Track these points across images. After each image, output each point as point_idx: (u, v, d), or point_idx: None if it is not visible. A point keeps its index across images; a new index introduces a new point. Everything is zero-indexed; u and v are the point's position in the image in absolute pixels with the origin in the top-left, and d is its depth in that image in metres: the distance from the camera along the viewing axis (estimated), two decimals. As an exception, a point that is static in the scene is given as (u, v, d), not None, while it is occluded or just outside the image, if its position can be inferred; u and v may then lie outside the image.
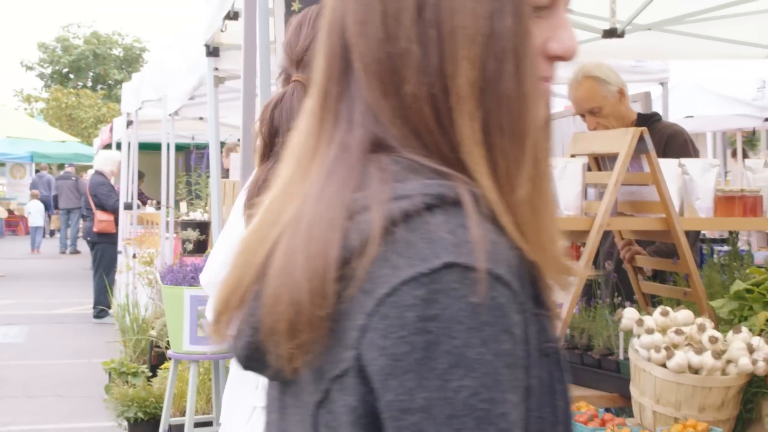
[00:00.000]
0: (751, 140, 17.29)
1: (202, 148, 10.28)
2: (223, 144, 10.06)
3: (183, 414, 5.93)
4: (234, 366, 2.44)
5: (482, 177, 1.00)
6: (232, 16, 4.91)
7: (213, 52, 6.12)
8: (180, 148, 12.88)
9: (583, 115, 4.78)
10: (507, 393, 0.92)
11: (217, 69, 6.26)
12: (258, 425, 2.27)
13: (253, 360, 1.08)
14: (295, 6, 3.42)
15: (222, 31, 5.23)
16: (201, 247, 7.71)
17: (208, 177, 7.85)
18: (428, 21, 1.01)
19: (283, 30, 3.41)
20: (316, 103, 1.12)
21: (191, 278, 5.40)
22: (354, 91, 1.07)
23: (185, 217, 8.60)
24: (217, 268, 2.42)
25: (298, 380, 1.02)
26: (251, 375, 2.33)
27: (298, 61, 2.36)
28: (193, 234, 7.68)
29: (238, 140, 12.23)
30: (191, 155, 9.58)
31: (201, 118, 11.58)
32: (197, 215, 8.38)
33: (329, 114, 1.09)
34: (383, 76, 1.03)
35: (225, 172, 8.49)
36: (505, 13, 1.03)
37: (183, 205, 9.49)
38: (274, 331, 0.99)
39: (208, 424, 6.06)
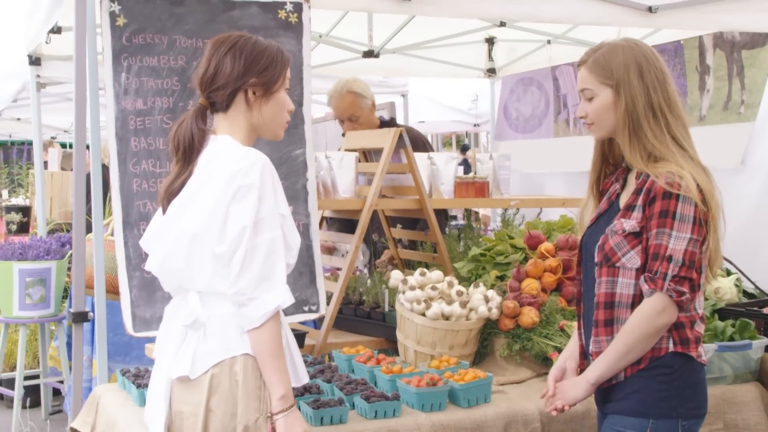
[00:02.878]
0: (460, 140, 18.03)
1: (21, 144, 9.60)
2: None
3: (13, 370, 5.54)
4: (167, 309, 2.36)
5: None
6: (56, 30, 4.59)
7: (35, 61, 5.74)
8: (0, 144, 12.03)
9: (342, 121, 4.76)
10: None
11: (39, 76, 5.91)
12: (190, 343, 2.20)
13: None
14: (120, 22, 3.18)
15: (47, 43, 4.85)
16: (24, 228, 7.24)
17: (28, 168, 7.38)
18: None
19: (110, 44, 3.17)
20: None
21: (19, 254, 5.04)
22: None
23: (7, 203, 8.03)
24: (149, 231, 2.36)
25: None
26: (181, 310, 2.22)
27: (204, 86, 2.29)
28: (16, 217, 7.22)
29: (52, 138, 11.63)
30: (13, 150, 8.96)
31: (19, 119, 10.83)
32: (20, 201, 7.81)
33: None
34: None
35: (44, 164, 8.02)
36: None
37: (5, 192, 8.84)
38: None
39: (36, 377, 5.67)
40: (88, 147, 3.36)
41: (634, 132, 2.34)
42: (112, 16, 3.15)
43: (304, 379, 2.37)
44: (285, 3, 3.40)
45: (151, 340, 3.44)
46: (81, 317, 3.25)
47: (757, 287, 3.89)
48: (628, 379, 2.34)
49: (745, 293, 3.83)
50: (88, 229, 3.49)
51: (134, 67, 3.20)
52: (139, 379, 2.97)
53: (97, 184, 3.25)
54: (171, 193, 2.26)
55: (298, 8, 3.43)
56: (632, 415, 2.34)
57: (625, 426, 2.35)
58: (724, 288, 3.63)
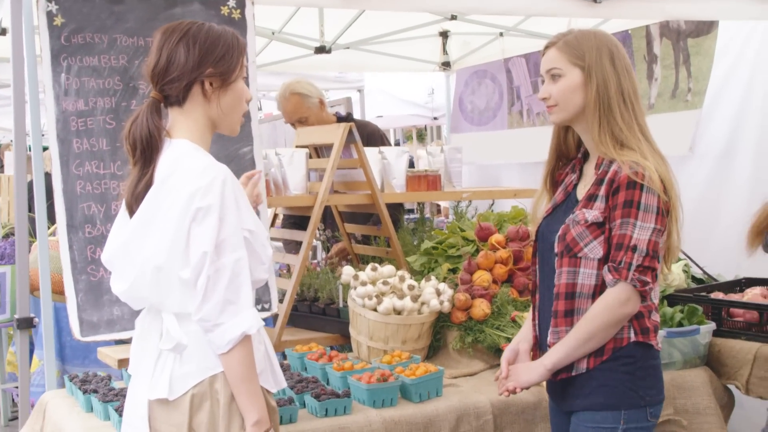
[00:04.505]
0: (421, 134, 18.00)
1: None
2: (-2, 144, 9.26)
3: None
4: (138, 322, 2.23)
5: None
6: (1, 32, 4.46)
7: (-15, 64, 5.57)
8: (-44, 147, 11.69)
9: (293, 124, 4.66)
10: None
11: (-10, 79, 5.74)
12: (166, 364, 2.09)
13: None
14: (57, 21, 3.08)
15: (-8, 45, 4.70)
16: (-19, 232, 7.04)
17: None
18: None
19: (48, 44, 3.07)
20: None
21: (-27, 259, 4.91)
22: None
23: (-36, 207, 7.79)
24: (110, 247, 2.19)
25: None
26: (155, 326, 2.12)
27: (156, 79, 2.12)
28: (-28, 221, 6.99)
29: (11, 141, 11.39)
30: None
31: (-26, 122, 10.53)
32: (-26, 205, 7.57)
33: None
34: None
35: (1, 168, 7.82)
36: None
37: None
38: None
39: (-7, 383, 5.54)
40: (46, 149, 3.27)
41: (605, 115, 2.29)
42: (50, 15, 3.05)
43: (282, 384, 2.26)
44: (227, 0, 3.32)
45: (101, 344, 3.36)
46: (26, 323, 3.15)
47: (705, 273, 3.89)
48: (591, 372, 2.30)
49: (694, 279, 3.83)
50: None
51: (74, 68, 3.10)
52: (86, 385, 2.89)
53: (39, 188, 3.15)
54: (137, 197, 2.10)
55: (241, 4, 3.35)
56: (603, 409, 2.30)
57: (597, 422, 2.31)
58: (672, 274, 3.63)
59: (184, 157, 2.08)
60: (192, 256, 2.01)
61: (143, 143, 2.09)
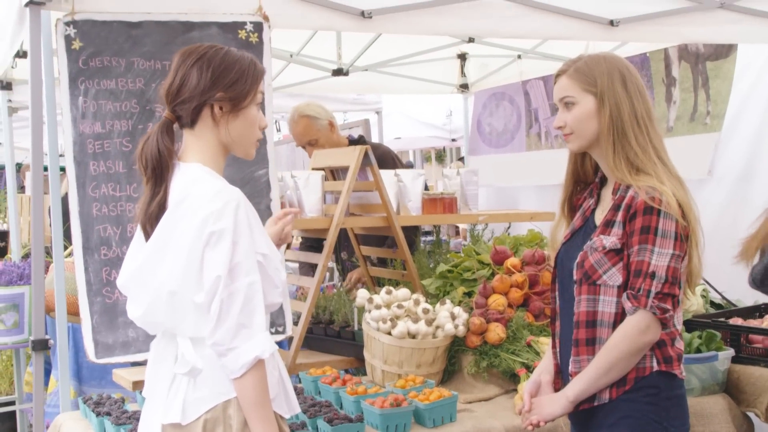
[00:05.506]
0: (440, 155, 18.00)
1: (1, 169, 9.48)
2: (20, 165, 9.33)
3: (-12, 396, 5.42)
4: (153, 346, 2.22)
5: None
6: (22, 54, 4.50)
7: (6, 86, 5.65)
8: (-19, 168, 11.85)
9: (304, 147, 4.66)
10: None
11: (11, 101, 5.80)
12: (180, 388, 2.09)
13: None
14: (76, 45, 3.11)
15: (13, 68, 4.76)
16: (2, 253, 7.09)
17: (6, 192, 7.23)
18: None
19: (66, 67, 3.10)
20: None
21: (-7, 279, 4.94)
22: None
23: (-13, 227, 7.86)
24: (125, 272, 2.19)
25: None
26: (170, 350, 2.11)
27: (170, 99, 2.13)
28: (-6, 241, 7.05)
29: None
30: (-7, 175, 8.82)
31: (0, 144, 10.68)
32: (-1, 225, 7.65)
33: None
34: None
35: (23, 189, 7.89)
36: None
37: (-14, 217, 8.64)
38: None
39: (12, 403, 5.54)
40: (63, 169, 3.28)
41: (619, 140, 2.26)
42: (68, 39, 3.08)
43: (296, 409, 2.24)
44: (245, 23, 3.34)
45: (116, 366, 3.36)
46: (41, 345, 3.16)
47: (723, 298, 3.84)
48: (614, 402, 2.25)
49: (712, 304, 3.77)
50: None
51: (92, 91, 3.13)
52: (100, 407, 2.88)
53: (56, 209, 3.16)
54: (150, 216, 2.10)
55: (258, 28, 3.36)
56: None
57: None
58: (691, 299, 3.58)
59: (197, 182, 2.08)
60: (206, 280, 2.00)
61: (153, 162, 2.09)
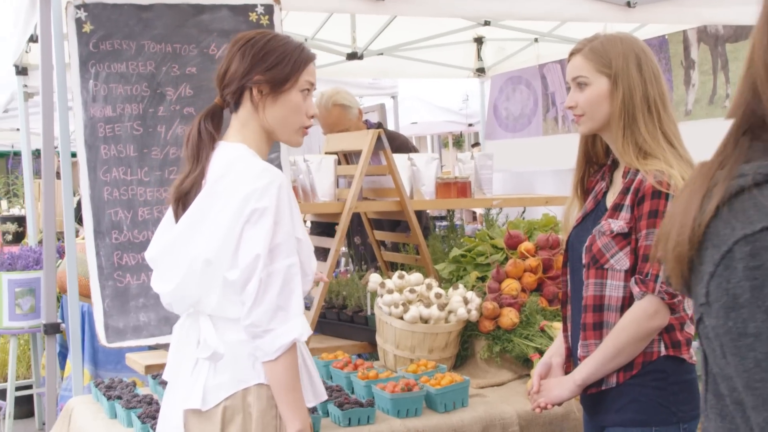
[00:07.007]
0: (458, 140, 17.93)
1: (18, 154, 9.54)
2: (37, 151, 9.38)
3: (5, 380, 5.45)
4: (176, 329, 2.22)
5: None
6: (36, 39, 4.49)
7: (22, 71, 5.65)
8: (1, 155, 11.95)
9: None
10: None
11: (26, 86, 5.81)
12: (201, 373, 2.08)
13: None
14: (86, 28, 3.09)
15: (27, 52, 4.76)
16: (19, 237, 7.14)
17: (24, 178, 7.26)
18: None
19: (77, 51, 3.08)
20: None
21: (8, 264, 4.96)
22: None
23: (5, 213, 7.93)
24: (156, 246, 2.19)
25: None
26: (192, 334, 2.10)
27: (219, 84, 2.16)
28: (12, 227, 7.12)
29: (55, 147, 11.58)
30: (9, 160, 8.87)
31: (18, 129, 10.73)
32: (16, 211, 7.72)
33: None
34: (765, 80, 1.04)
35: (39, 174, 7.91)
36: None
37: (3, 203, 8.70)
38: (662, 259, 1.08)
39: (29, 387, 5.59)
40: (74, 155, 3.28)
41: (628, 126, 2.22)
42: (79, 22, 3.06)
43: (323, 396, 2.24)
44: (255, 5, 3.31)
45: (127, 350, 3.36)
46: (53, 329, 3.16)
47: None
48: (621, 387, 2.23)
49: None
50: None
51: (102, 74, 3.11)
52: (111, 391, 2.88)
53: (67, 193, 3.16)
54: (181, 193, 2.11)
55: (269, 10, 3.33)
56: (634, 425, 2.22)
57: None
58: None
59: (239, 160, 2.08)
60: (243, 258, 1.98)
61: (193, 143, 2.12)
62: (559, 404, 2.34)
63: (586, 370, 2.25)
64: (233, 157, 2.09)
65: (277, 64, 2.10)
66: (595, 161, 2.44)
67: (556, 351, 2.46)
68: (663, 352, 2.21)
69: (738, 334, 0.98)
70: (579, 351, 2.30)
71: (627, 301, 2.22)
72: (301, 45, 2.17)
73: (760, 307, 0.96)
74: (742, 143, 1.06)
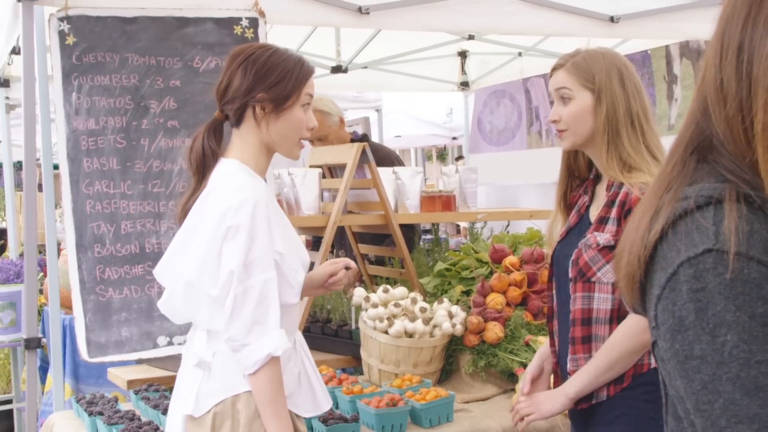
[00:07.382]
0: (442, 154, 17.96)
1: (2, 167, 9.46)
2: (19, 163, 9.32)
3: (-15, 394, 5.40)
4: (188, 336, 2.26)
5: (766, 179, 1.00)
6: (18, 51, 4.47)
7: (4, 83, 5.64)
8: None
9: (311, 141, 4.60)
10: (765, 345, 0.93)
11: (8, 98, 5.80)
12: (195, 380, 2.10)
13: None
14: (69, 40, 3.07)
15: (9, 64, 4.73)
16: (2, 250, 7.08)
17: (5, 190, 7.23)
18: (744, 65, 1.00)
19: (59, 63, 3.06)
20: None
21: (-11, 277, 4.91)
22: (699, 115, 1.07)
23: (-13, 225, 7.86)
24: (161, 261, 2.23)
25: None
26: (190, 343, 2.12)
27: (219, 99, 2.17)
28: (-7, 239, 7.05)
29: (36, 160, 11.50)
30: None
31: (0, 141, 10.67)
32: (-2, 223, 7.65)
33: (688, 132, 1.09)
34: (715, 100, 1.03)
35: (20, 186, 7.86)
36: None
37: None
38: (617, 278, 1.10)
39: (8, 402, 5.52)
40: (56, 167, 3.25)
41: (612, 141, 2.23)
42: (62, 35, 3.05)
43: (326, 406, 2.24)
44: (240, 19, 3.30)
45: (109, 365, 3.33)
46: (34, 343, 3.13)
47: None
48: (611, 400, 2.22)
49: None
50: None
51: (85, 87, 3.09)
52: (92, 407, 2.85)
53: (49, 206, 3.13)
54: (186, 211, 2.15)
55: (254, 23, 3.33)
56: None
57: None
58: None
59: (227, 176, 2.11)
60: (221, 274, 2.02)
61: (197, 159, 2.14)
62: (549, 418, 2.33)
63: (578, 384, 2.24)
64: (222, 173, 2.12)
65: (279, 82, 2.12)
66: (578, 175, 2.45)
67: (547, 357, 2.45)
68: (653, 364, 2.21)
69: (685, 356, 0.98)
70: (569, 365, 2.28)
71: (616, 314, 2.21)
72: (301, 59, 2.18)
73: (704, 329, 0.96)
74: (688, 164, 1.07)
